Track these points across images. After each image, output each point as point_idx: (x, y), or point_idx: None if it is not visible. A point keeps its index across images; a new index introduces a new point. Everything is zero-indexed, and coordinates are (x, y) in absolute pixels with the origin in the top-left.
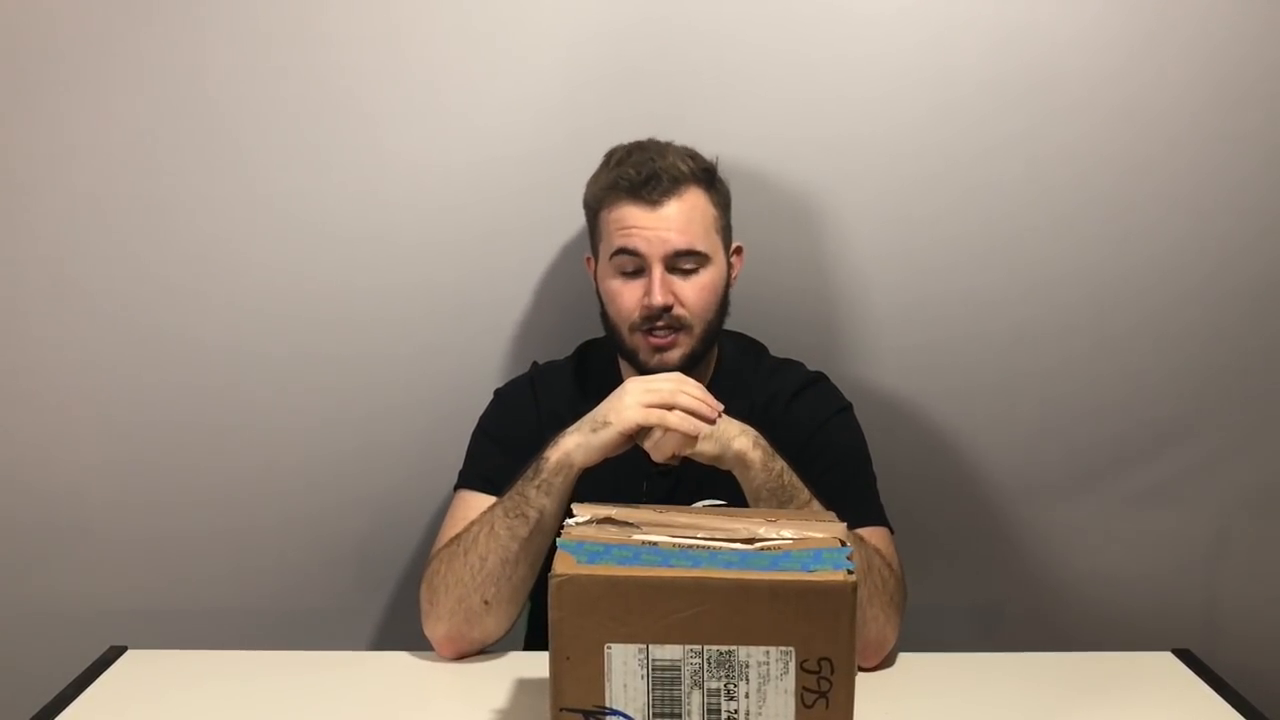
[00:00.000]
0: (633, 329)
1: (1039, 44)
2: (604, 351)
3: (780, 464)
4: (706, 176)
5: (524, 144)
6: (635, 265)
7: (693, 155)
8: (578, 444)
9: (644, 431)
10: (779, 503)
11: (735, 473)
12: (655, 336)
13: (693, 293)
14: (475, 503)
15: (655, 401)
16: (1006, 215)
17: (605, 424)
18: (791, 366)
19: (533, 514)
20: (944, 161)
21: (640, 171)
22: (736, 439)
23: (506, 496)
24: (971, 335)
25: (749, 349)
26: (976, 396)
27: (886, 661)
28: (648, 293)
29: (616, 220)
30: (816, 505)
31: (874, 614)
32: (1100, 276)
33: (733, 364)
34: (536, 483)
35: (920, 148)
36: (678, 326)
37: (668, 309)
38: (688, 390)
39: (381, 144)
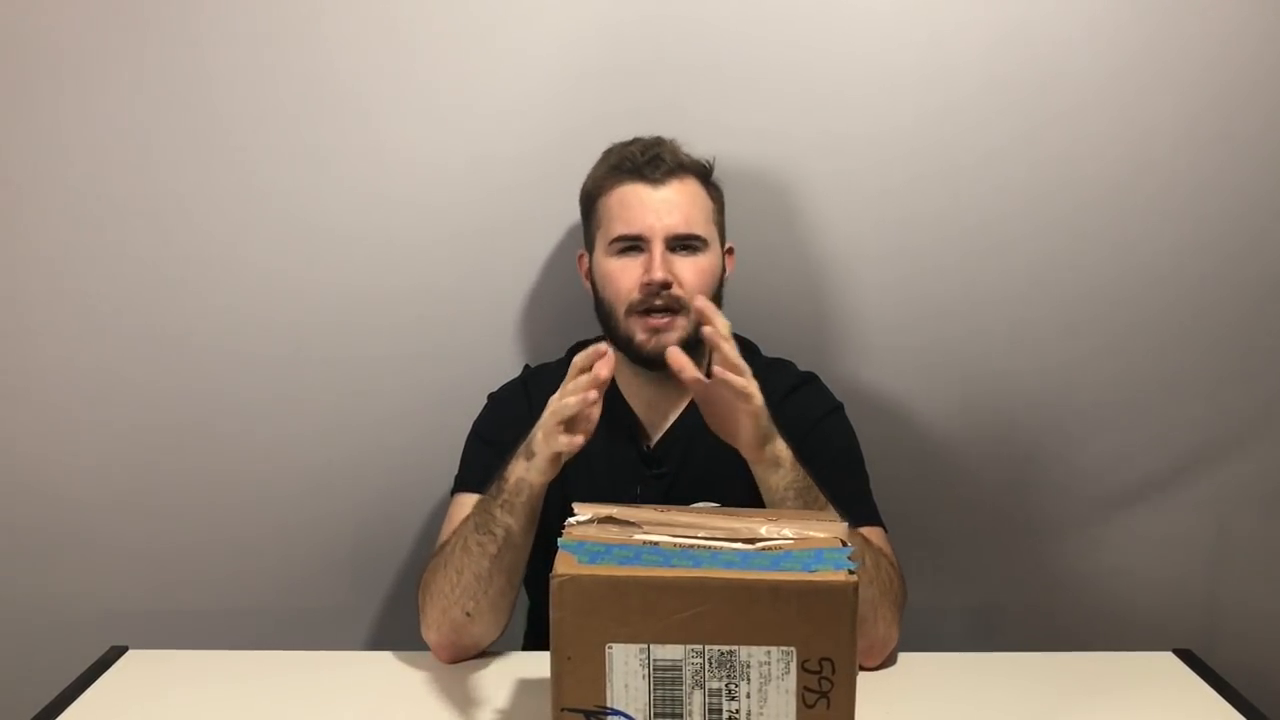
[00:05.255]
0: (629, 311)
1: (1038, 44)
2: None
3: (803, 470)
4: (704, 172)
5: (521, 145)
6: (635, 245)
7: (689, 155)
8: (525, 469)
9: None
10: (805, 504)
11: (759, 468)
12: (652, 318)
13: (691, 273)
14: (471, 507)
15: (559, 422)
16: (1002, 214)
17: (533, 453)
18: (783, 366)
19: (499, 532)
20: (939, 161)
21: (644, 153)
22: (779, 436)
23: (476, 510)
24: (966, 335)
25: (741, 348)
26: (972, 396)
27: (888, 661)
28: (647, 270)
29: (618, 201)
30: (831, 511)
31: (883, 614)
32: (1098, 276)
33: None
34: (499, 501)
35: (916, 147)
36: (675, 308)
37: (667, 286)
38: (567, 391)
39: (378, 143)
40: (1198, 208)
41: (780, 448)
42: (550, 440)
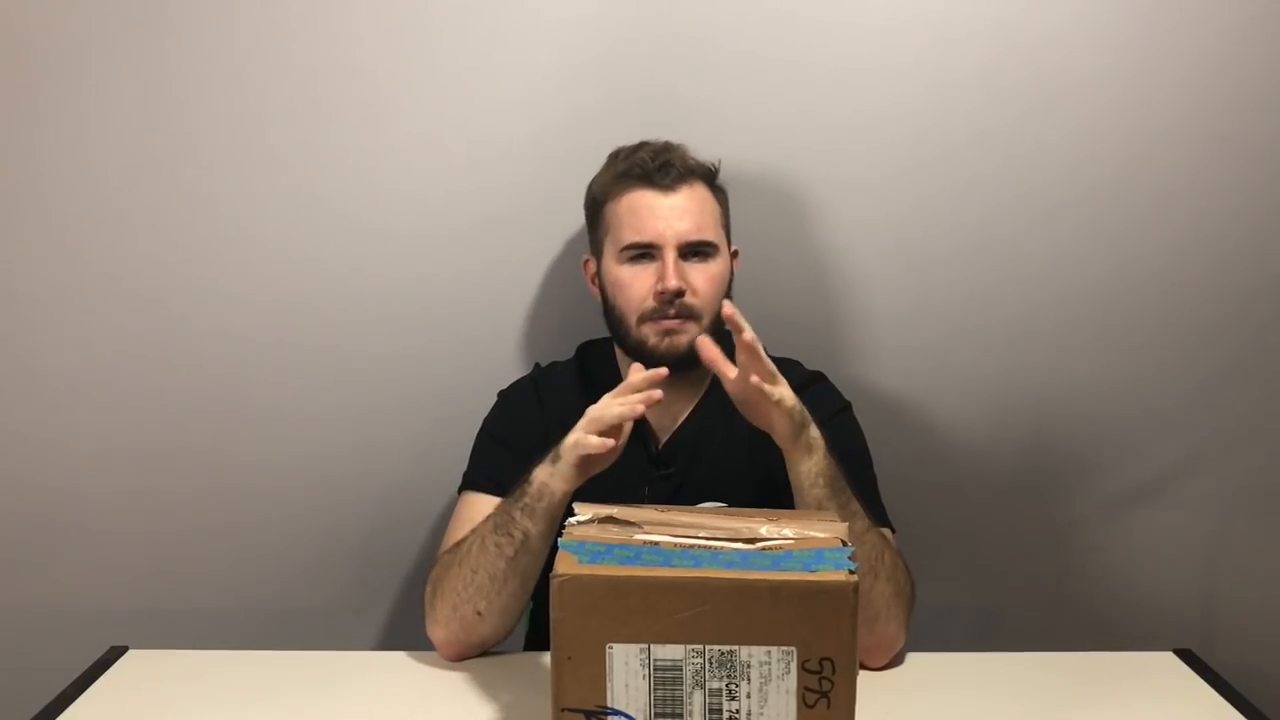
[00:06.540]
0: (642, 319)
1: (1035, 43)
2: (603, 351)
3: (833, 459)
4: (710, 175)
5: (529, 140)
6: (646, 253)
7: (696, 159)
8: (550, 474)
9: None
10: (834, 492)
11: (793, 455)
12: (664, 321)
13: (703, 281)
14: (480, 504)
15: (596, 430)
16: (1002, 215)
17: (559, 457)
18: (790, 366)
19: (518, 534)
20: (940, 160)
21: (654, 159)
22: (812, 423)
23: (498, 511)
24: (969, 334)
25: None
26: (975, 395)
27: (893, 662)
28: (661, 278)
29: (629, 208)
30: (857, 507)
31: (895, 613)
32: (1098, 275)
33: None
34: (520, 505)
35: (916, 146)
36: (687, 314)
37: (680, 294)
38: (614, 400)
39: (387, 134)
40: (1195, 204)
41: (814, 435)
42: (580, 444)
